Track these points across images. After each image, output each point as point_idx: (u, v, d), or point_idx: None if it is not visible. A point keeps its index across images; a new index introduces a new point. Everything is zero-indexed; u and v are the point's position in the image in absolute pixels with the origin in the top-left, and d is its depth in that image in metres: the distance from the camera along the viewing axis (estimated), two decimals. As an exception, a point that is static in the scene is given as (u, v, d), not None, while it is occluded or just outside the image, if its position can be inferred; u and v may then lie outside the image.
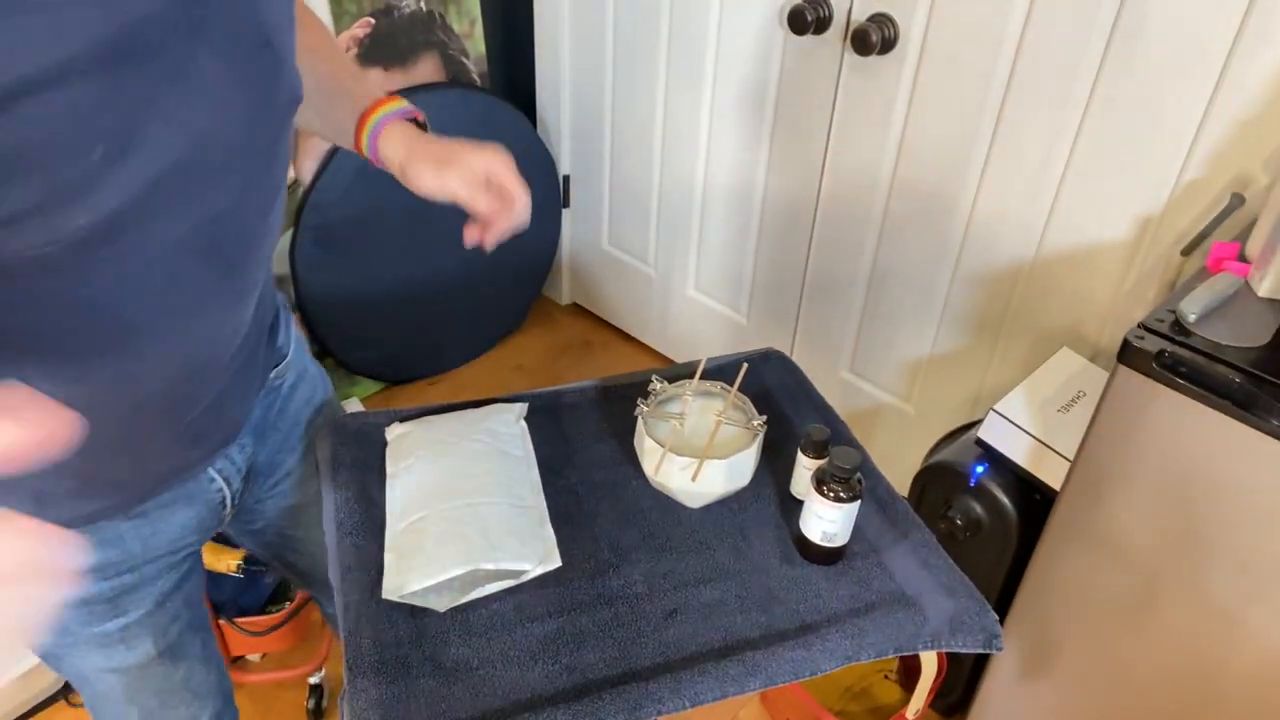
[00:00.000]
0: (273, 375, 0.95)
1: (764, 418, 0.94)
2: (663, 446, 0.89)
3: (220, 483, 0.91)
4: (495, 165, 0.86)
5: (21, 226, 0.56)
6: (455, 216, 0.89)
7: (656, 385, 0.96)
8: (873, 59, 1.61)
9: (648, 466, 0.92)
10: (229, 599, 1.53)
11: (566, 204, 2.45)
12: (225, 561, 1.54)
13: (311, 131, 0.91)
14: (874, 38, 1.55)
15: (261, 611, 1.54)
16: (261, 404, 0.94)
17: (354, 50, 1.88)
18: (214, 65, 0.61)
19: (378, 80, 0.84)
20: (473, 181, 0.85)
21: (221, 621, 1.48)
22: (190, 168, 0.63)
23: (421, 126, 0.89)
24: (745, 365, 0.97)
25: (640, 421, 0.92)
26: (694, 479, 0.88)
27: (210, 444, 0.86)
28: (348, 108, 0.87)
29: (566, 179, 2.40)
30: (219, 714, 1.08)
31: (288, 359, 0.97)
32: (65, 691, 1.67)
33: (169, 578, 0.91)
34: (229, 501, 0.93)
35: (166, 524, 0.87)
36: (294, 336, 0.99)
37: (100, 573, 0.85)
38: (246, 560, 1.55)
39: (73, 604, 0.87)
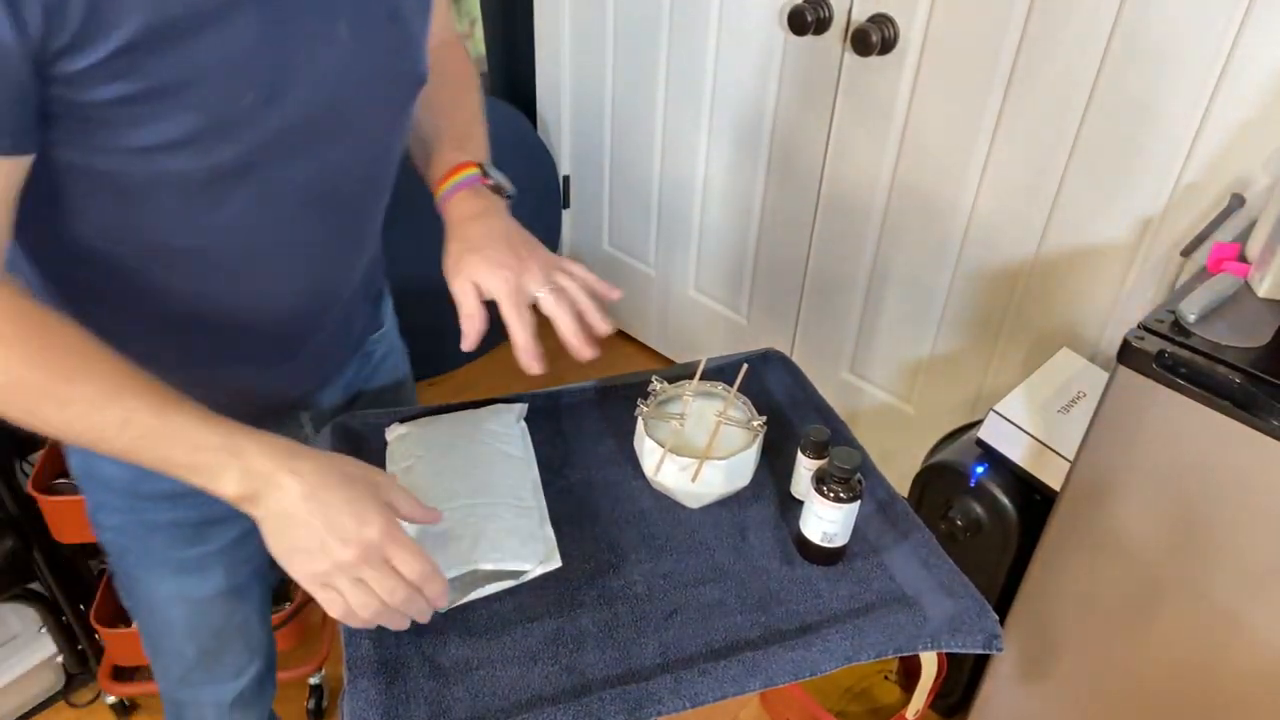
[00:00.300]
0: (369, 341, 1.03)
1: (764, 418, 0.94)
2: (663, 447, 0.89)
3: (309, 429, 0.98)
4: (496, 292, 0.81)
5: (177, 153, 0.65)
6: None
7: (656, 385, 0.96)
8: (873, 59, 1.61)
9: (648, 467, 0.92)
10: (229, 599, 1.53)
11: (566, 204, 2.45)
12: (225, 562, 1.54)
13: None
14: (874, 38, 1.55)
15: (261, 612, 1.54)
16: (355, 364, 1.02)
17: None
18: (347, 32, 0.69)
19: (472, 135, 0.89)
20: (494, 289, 0.80)
21: (221, 622, 1.48)
22: (317, 123, 0.71)
23: (497, 190, 0.88)
24: (745, 366, 0.97)
25: (640, 422, 0.92)
26: (694, 479, 0.88)
27: (304, 388, 0.93)
28: (437, 170, 0.88)
29: (566, 179, 2.40)
30: (262, 676, 1.12)
31: (383, 330, 1.06)
32: (65, 691, 1.67)
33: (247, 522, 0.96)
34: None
35: None
36: (389, 314, 1.08)
37: (192, 499, 0.87)
38: (246, 560, 1.55)
39: (162, 527, 0.92)
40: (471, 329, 0.80)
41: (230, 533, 0.97)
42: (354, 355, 1.02)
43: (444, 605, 0.77)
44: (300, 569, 0.68)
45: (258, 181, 0.71)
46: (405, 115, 0.83)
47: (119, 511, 0.93)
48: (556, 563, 0.84)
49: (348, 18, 0.70)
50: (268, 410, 0.90)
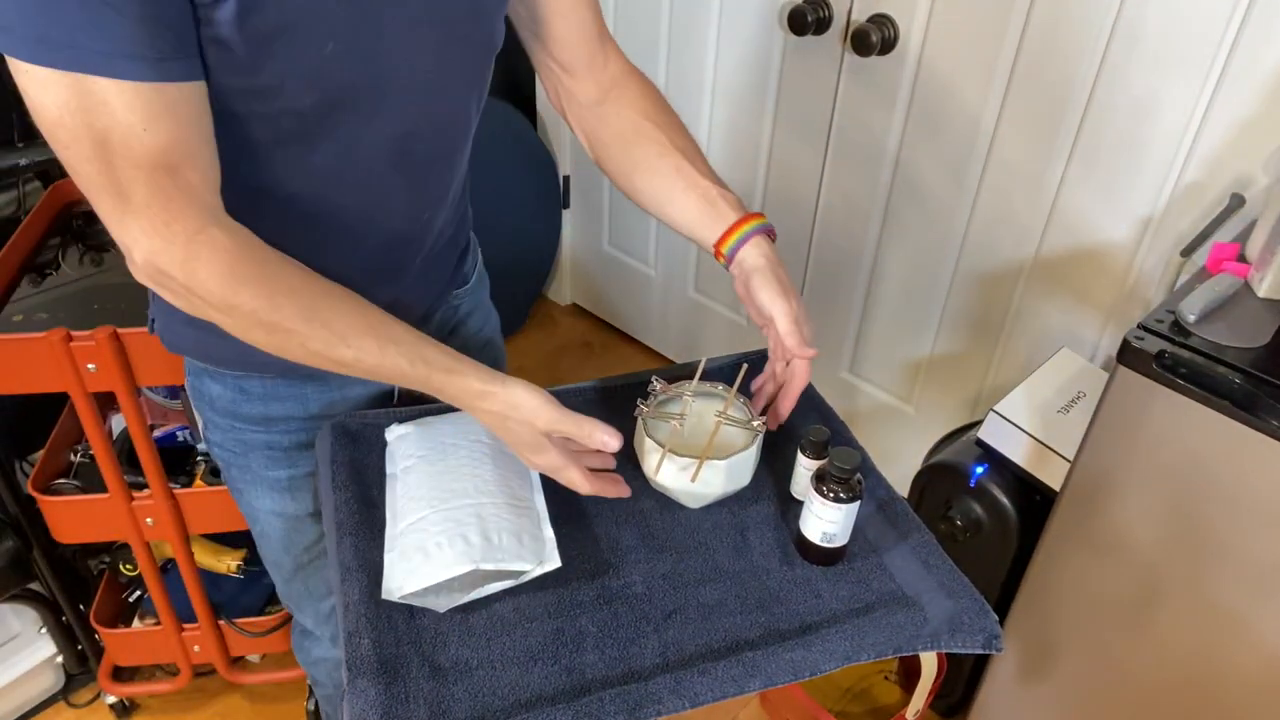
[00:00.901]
0: (453, 295, 1.08)
1: (764, 418, 0.94)
2: (662, 447, 0.89)
3: None
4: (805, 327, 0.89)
5: (268, 96, 0.72)
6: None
7: (656, 385, 0.96)
8: (873, 59, 1.61)
9: (647, 467, 0.92)
10: (229, 599, 1.53)
11: (566, 204, 2.45)
12: (225, 562, 1.54)
13: (659, 217, 1.03)
14: (874, 38, 1.55)
15: (261, 612, 1.54)
16: (442, 316, 1.07)
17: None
18: (426, 3, 0.76)
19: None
20: (795, 321, 0.88)
21: (221, 622, 1.48)
22: (391, 81, 0.78)
23: (770, 238, 0.94)
24: (745, 366, 0.97)
25: (640, 422, 0.92)
26: (693, 480, 0.88)
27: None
28: (708, 224, 0.95)
29: (566, 179, 2.40)
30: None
31: (469, 286, 1.10)
32: (65, 691, 1.67)
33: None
34: (396, 393, 1.05)
35: (343, 396, 1.00)
36: (479, 273, 1.13)
37: (284, 424, 0.99)
38: (246, 561, 1.55)
39: (257, 447, 1.01)
40: (797, 341, 0.88)
41: (309, 464, 1.04)
42: (438, 305, 1.06)
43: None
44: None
45: (342, 132, 0.78)
46: (477, 80, 0.88)
47: (221, 430, 1.01)
48: (556, 563, 0.84)
49: None
50: None
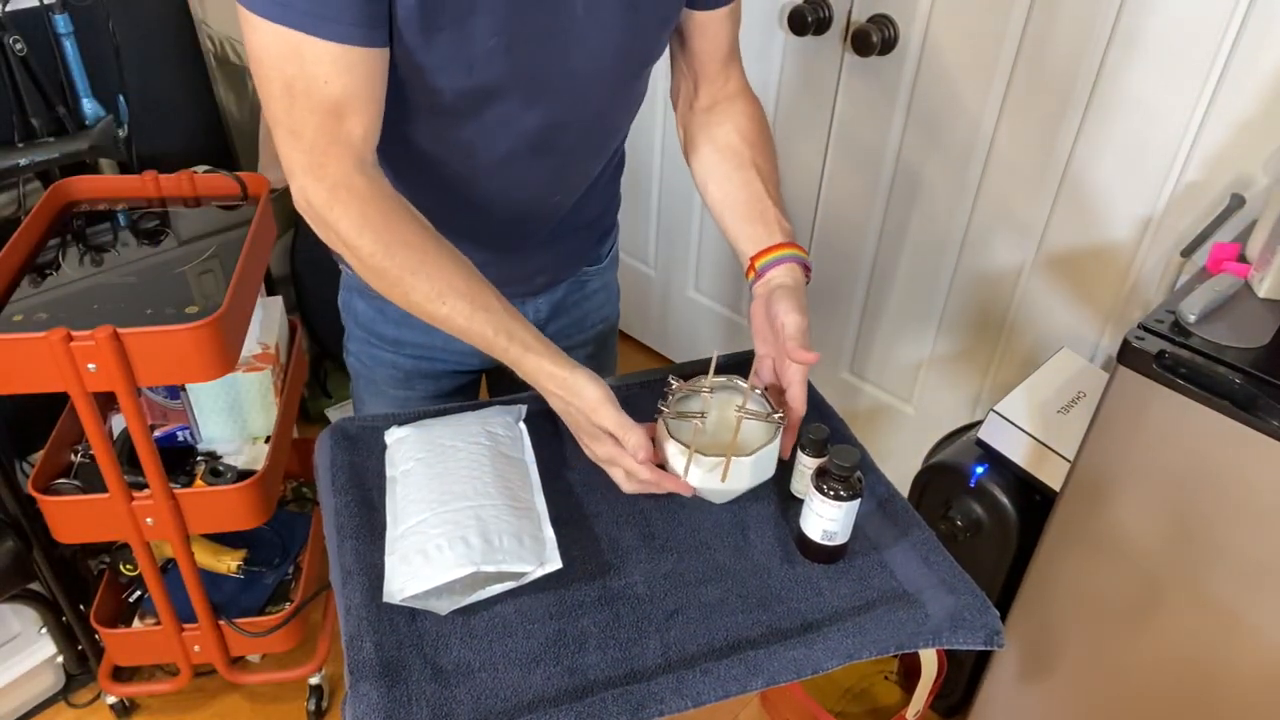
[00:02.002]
0: (583, 271, 1.17)
1: (783, 411, 0.94)
2: (688, 449, 0.88)
3: None
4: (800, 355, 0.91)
5: (433, 73, 0.81)
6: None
7: (673, 385, 0.96)
8: (873, 59, 1.61)
9: (674, 469, 0.91)
10: (229, 599, 1.53)
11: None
12: (225, 562, 1.54)
13: (717, 222, 1.06)
14: (874, 38, 1.55)
15: (261, 612, 1.54)
16: (567, 287, 1.16)
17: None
18: (582, 9, 0.83)
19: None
20: (803, 331, 0.90)
21: (221, 622, 1.48)
22: (544, 80, 0.86)
23: (805, 271, 0.97)
24: (755, 356, 0.97)
25: (661, 424, 0.91)
26: (724, 479, 0.88)
27: (511, 290, 1.03)
28: (755, 237, 0.99)
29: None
30: None
31: (601, 265, 1.19)
32: (65, 692, 1.67)
33: (451, 380, 1.18)
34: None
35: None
36: (614, 257, 1.23)
37: (411, 349, 1.13)
38: (246, 561, 1.55)
39: (384, 364, 1.15)
40: (801, 355, 0.91)
41: (430, 389, 1.17)
42: (567, 278, 1.15)
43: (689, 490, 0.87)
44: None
45: (490, 116, 0.87)
46: (629, 90, 0.97)
47: (358, 341, 1.16)
48: (557, 564, 0.84)
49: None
50: None
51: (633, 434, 0.85)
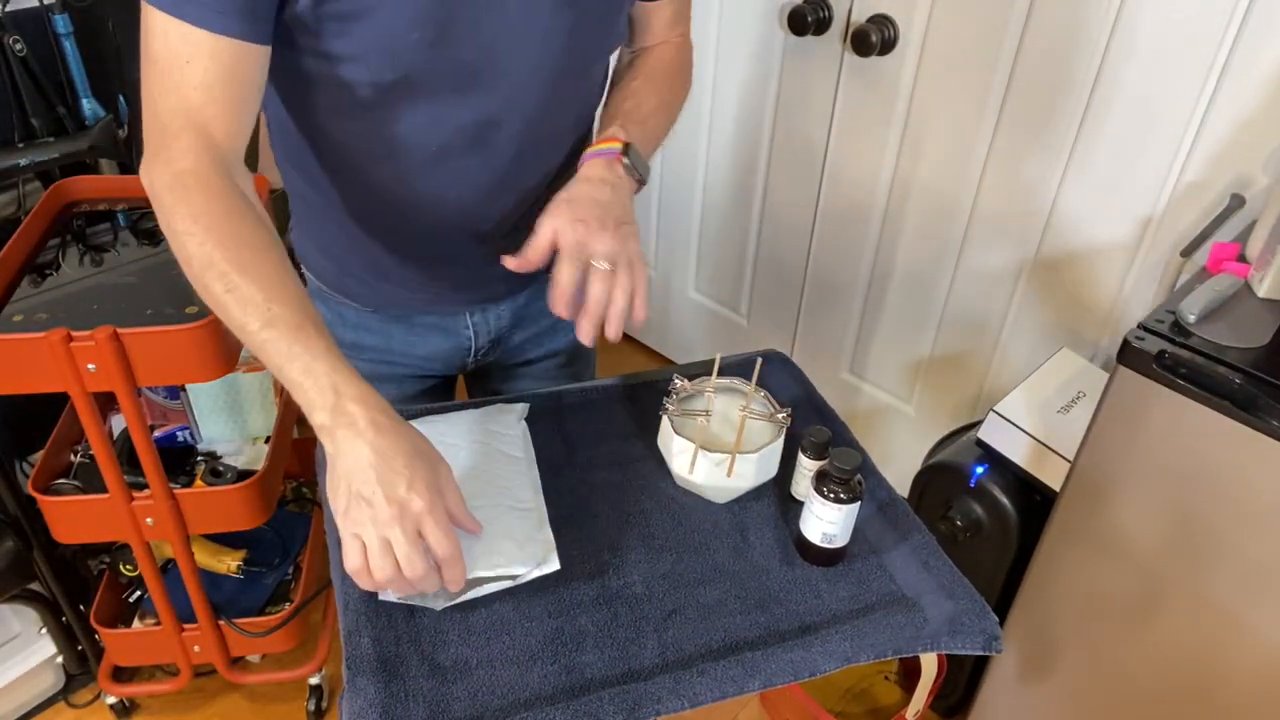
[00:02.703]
0: (548, 276, 1.07)
1: (788, 410, 0.94)
2: (694, 444, 0.89)
3: (471, 332, 1.10)
4: (564, 242, 0.83)
5: (350, 66, 0.79)
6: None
7: (678, 384, 0.96)
8: (873, 60, 1.61)
9: (679, 465, 0.92)
10: (229, 599, 1.53)
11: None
12: (225, 562, 1.54)
13: None
14: (874, 38, 1.55)
15: (261, 612, 1.54)
16: (530, 295, 1.12)
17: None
18: (521, 8, 0.80)
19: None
20: (563, 235, 0.83)
21: (221, 622, 1.48)
22: (476, 76, 0.83)
23: (628, 169, 0.90)
24: (760, 360, 0.98)
25: (667, 420, 0.92)
26: (729, 475, 0.89)
27: (466, 296, 1.07)
28: (594, 139, 0.94)
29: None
30: None
31: None
32: (65, 692, 1.67)
33: (415, 384, 1.15)
34: (473, 352, 1.13)
35: (424, 341, 1.09)
36: None
37: (370, 353, 1.09)
38: (246, 561, 1.55)
39: None
40: (529, 261, 0.84)
41: (394, 392, 1.13)
42: (530, 283, 1.09)
43: (457, 590, 0.77)
44: (341, 508, 0.72)
45: (419, 112, 0.84)
46: (576, 85, 0.92)
47: None
48: (554, 565, 0.84)
49: None
50: (434, 305, 1.07)
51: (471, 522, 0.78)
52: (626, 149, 0.90)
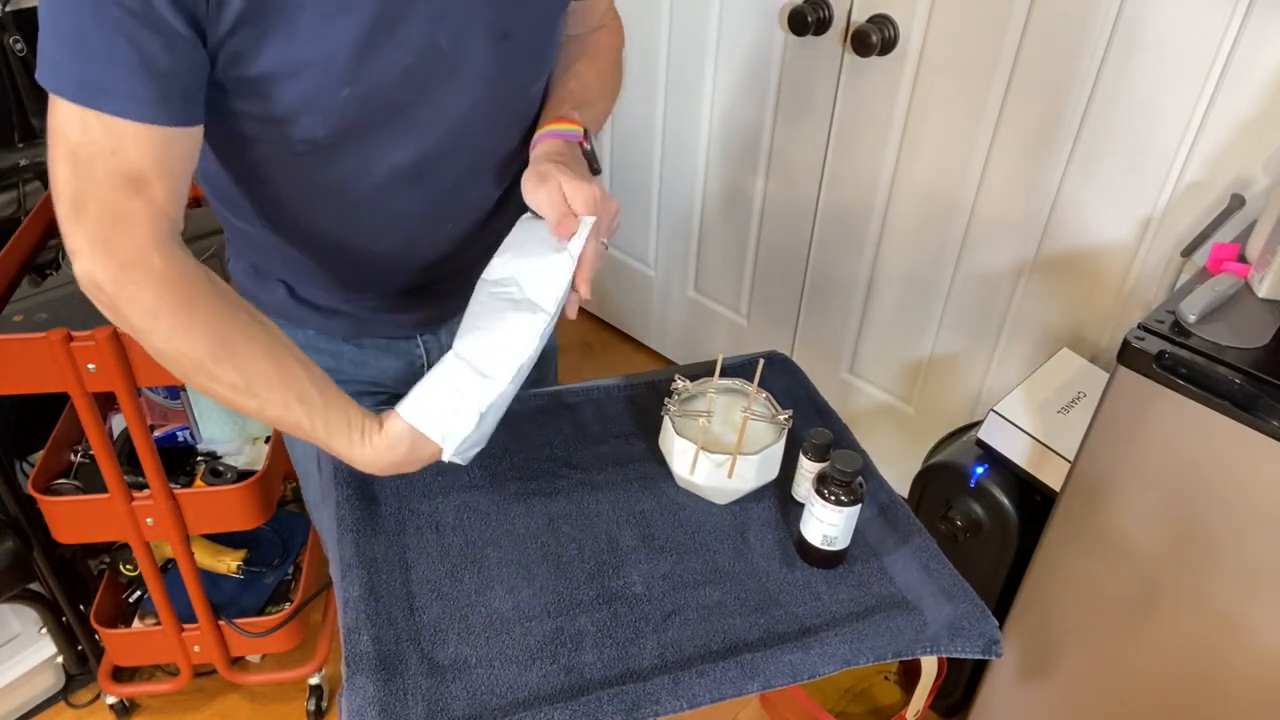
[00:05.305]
0: None
1: (789, 412, 0.94)
2: (695, 445, 0.89)
3: (422, 351, 1.09)
4: (580, 200, 0.84)
5: (283, 125, 0.77)
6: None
7: (679, 384, 0.96)
8: (873, 60, 1.61)
9: (679, 465, 0.92)
10: (229, 600, 1.53)
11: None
12: (225, 562, 1.54)
13: None
14: (874, 39, 1.55)
15: (261, 612, 1.54)
16: None
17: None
18: (447, 44, 0.78)
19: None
20: (559, 203, 0.84)
21: (221, 622, 1.48)
22: (412, 118, 0.81)
23: (588, 156, 0.90)
24: (762, 361, 0.98)
25: (668, 421, 0.92)
26: (730, 475, 0.89)
27: (416, 318, 1.05)
28: (545, 117, 0.93)
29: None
30: None
31: None
32: (65, 692, 1.67)
33: (367, 401, 1.11)
34: (426, 370, 1.07)
35: (376, 362, 1.07)
36: None
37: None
38: (246, 561, 1.55)
39: None
40: (567, 226, 0.83)
41: None
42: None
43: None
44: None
45: (355, 157, 0.82)
46: (514, 109, 0.91)
47: None
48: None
49: (449, 31, 0.77)
50: (389, 329, 1.05)
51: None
52: (586, 133, 0.90)
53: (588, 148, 0.90)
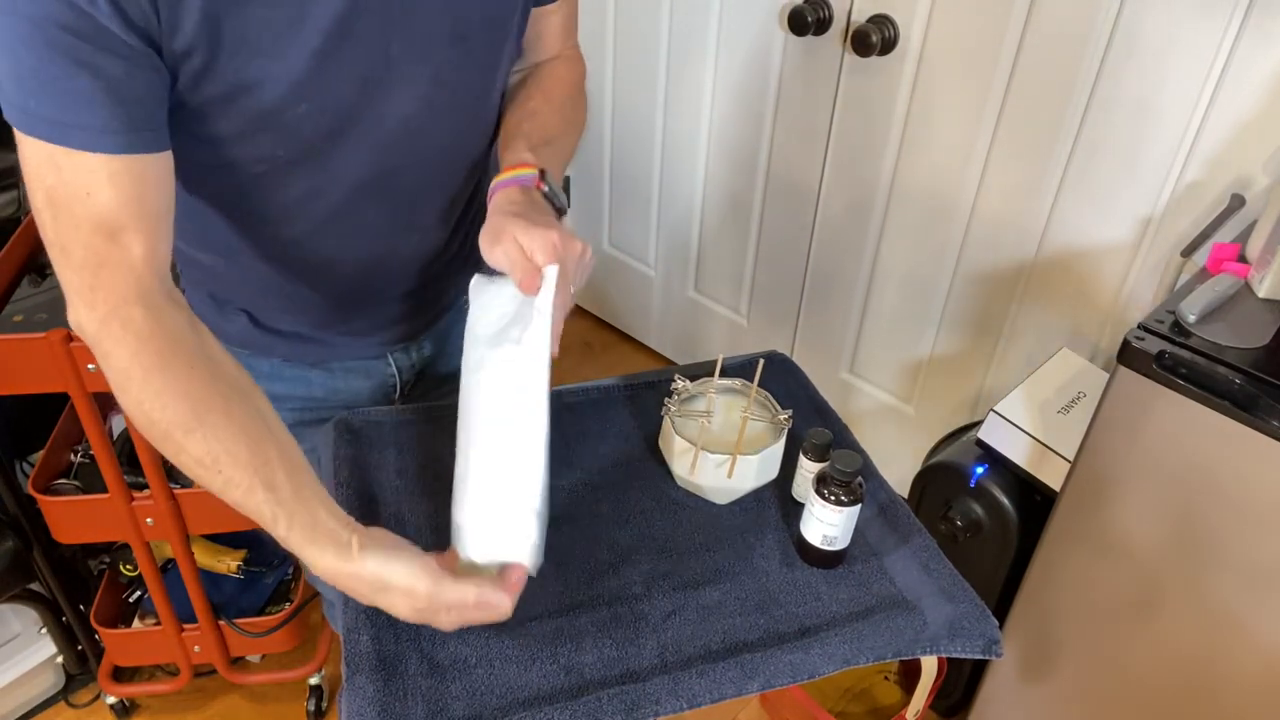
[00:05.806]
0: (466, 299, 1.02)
1: (789, 412, 0.94)
2: (695, 445, 0.89)
3: (393, 370, 1.07)
4: (539, 250, 0.79)
5: (241, 144, 0.76)
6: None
7: (679, 384, 0.96)
8: (873, 60, 1.61)
9: (679, 465, 0.92)
10: (229, 600, 1.53)
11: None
12: (225, 562, 1.54)
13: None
14: (874, 39, 1.55)
15: (261, 612, 1.54)
16: (451, 319, 1.09)
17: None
18: (399, 52, 0.77)
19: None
20: (518, 260, 0.79)
21: (221, 622, 1.48)
22: (368, 133, 0.80)
23: (547, 198, 0.86)
24: (763, 361, 0.98)
25: (668, 421, 0.92)
26: (729, 475, 0.89)
27: (384, 337, 1.03)
28: (502, 165, 0.88)
29: (567, 179, 2.40)
30: None
31: None
32: (65, 692, 1.67)
33: None
34: (399, 388, 1.10)
35: (346, 385, 1.05)
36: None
37: (287, 402, 1.02)
38: (246, 561, 1.55)
39: None
40: (531, 280, 0.79)
41: (319, 438, 1.05)
42: (447, 314, 1.09)
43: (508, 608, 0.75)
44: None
45: (313, 175, 0.81)
46: (474, 118, 0.89)
47: None
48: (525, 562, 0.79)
49: (402, 38, 0.76)
50: (357, 347, 1.03)
51: (478, 593, 0.72)
52: (543, 174, 0.86)
53: (545, 189, 0.86)
